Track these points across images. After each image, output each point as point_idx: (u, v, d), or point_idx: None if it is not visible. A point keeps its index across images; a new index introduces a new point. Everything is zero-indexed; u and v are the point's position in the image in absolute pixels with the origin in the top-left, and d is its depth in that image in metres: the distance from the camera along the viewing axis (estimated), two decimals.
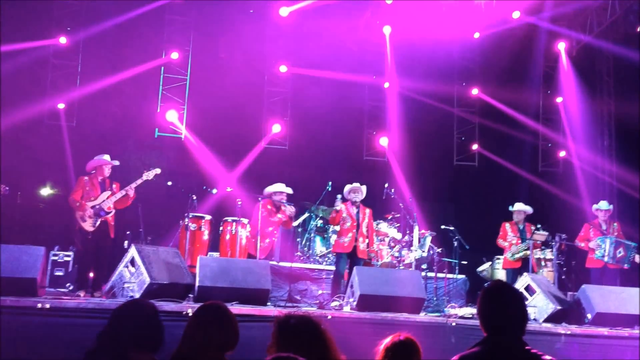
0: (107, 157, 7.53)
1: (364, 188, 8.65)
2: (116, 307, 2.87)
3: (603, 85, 14.30)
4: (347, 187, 8.68)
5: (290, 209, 8.60)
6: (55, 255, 9.05)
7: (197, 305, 6.04)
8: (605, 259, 8.57)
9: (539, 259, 9.67)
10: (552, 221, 10.46)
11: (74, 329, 5.35)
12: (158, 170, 7.66)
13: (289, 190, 8.78)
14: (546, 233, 9.00)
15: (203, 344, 2.74)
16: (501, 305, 2.66)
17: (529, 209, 9.25)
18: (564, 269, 9.80)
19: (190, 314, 2.96)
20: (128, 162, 9.71)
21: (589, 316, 7.40)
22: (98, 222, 7.18)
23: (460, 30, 13.58)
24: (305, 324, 2.65)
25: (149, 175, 7.56)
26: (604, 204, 9.09)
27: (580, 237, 8.99)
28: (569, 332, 6.59)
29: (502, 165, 13.48)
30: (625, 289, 7.82)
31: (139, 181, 7.46)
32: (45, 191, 12.56)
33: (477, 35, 13.15)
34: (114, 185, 7.46)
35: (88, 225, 7.14)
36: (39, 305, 5.43)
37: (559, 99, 14.10)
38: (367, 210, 8.64)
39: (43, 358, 4.85)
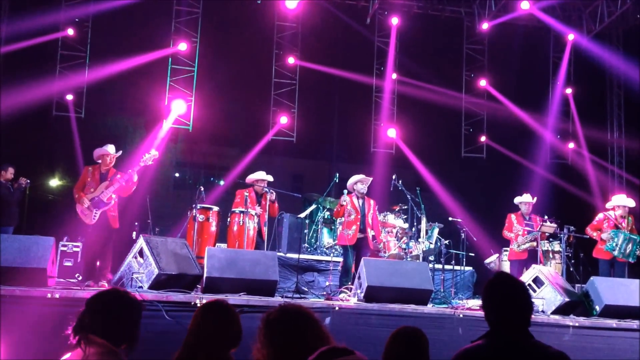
0: (111, 147, 7.46)
1: (369, 179, 8.65)
2: (95, 294, 2.79)
3: (613, 77, 14.22)
4: (353, 179, 8.68)
5: (271, 196, 8.61)
6: (64, 246, 9.10)
7: (206, 296, 6.09)
8: (615, 252, 8.51)
9: (547, 251, 9.63)
10: (560, 213, 10.40)
11: None
12: (156, 154, 7.58)
13: (270, 178, 8.80)
14: (554, 225, 8.95)
15: (207, 343, 2.70)
16: (504, 297, 2.64)
17: (534, 200, 9.20)
18: (572, 261, 9.76)
19: (196, 309, 2.86)
20: (136, 153, 9.74)
21: (598, 308, 7.37)
22: (97, 215, 7.14)
23: (468, 20, 13.52)
24: (288, 316, 2.50)
25: (146, 160, 7.47)
26: (630, 201, 8.92)
27: (592, 226, 8.88)
28: (577, 324, 6.56)
29: (511, 157, 13.43)
30: (633, 281, 7.77)
31: (136, 167, 7.39)
32: (54, 182, 12.63)
33: (485, 26, 13.07)
34: (118, 176, 7.38)
35: (87, 219, 7.12)
36: (49, 295, 5.46)
37: (568, 90, 14.01)
38: (372, 202, 8.65)
39: (53, 347, 4.89)
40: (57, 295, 5.49)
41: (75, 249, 9.21)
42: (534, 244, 8.80)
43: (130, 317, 2.73)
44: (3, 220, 8.72)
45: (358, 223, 8.39)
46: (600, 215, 8.97)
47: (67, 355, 2.65)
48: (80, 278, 7.76)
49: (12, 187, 8.93)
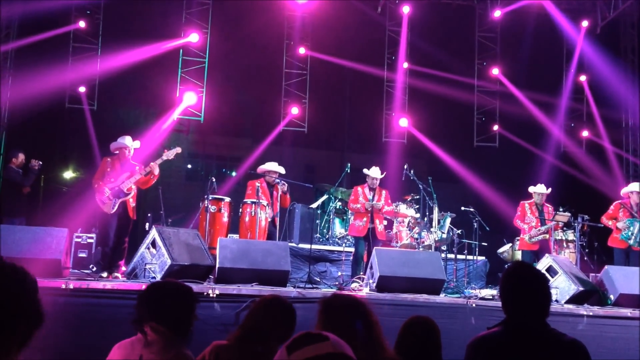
0: (128, 138, 7.52)
1: (379, 173, 8.67)
2: (150, 285, 2.91)
3: (628, 63, 14.02)
4: (365, 171, 8.72)
5: (283, 187, 8.63)
6: (78, 237, 9.19)
7: (218, 286, 6.12)
8: (631, 241, 8.42)
9: (560, 240, 9.56)
10: (574, 202, 10.32)
11: (97, 309, 5.44)
12: (179, 150, 7.64)
13: (282, 170, 8.81)
14: (568, 214, 8.87)
15: (266, 334, 2.77)
16: (523, 287, 2.61)
17: (548, 191, 9.12)
18: (587, 250, 9.68)
19: (254, 302, 2.98)
20: (148, 144, 9.78)
21: (612, 297, 7.32)
22: (117, 204, 7.19)
23: (480, 8, 13.39)
24: (350, 304, 2.64)
25: (169, 154, 7.53)
26: None
27: (608, 214, 8.79)
28: (591, 314, 6.52)
29: (523, 146, 13.32)
30: None
31: (159, 160, 7.44)
32: (68, 174, 12.73)
33: (497, 13, 12.93)
34: (136, 167, 7.44)
35: (107, 208, 7.17)
36: (63, 286, 5.51)
37: (582, 78, 13.85)
38: (384, 192, 8.66)
39: (67, 337, 4.94)
40: (71, 286, 5.55)
41: (89, 240, 9.29)
42: (547, 235, 8.73)
43: (186, 307, 2.80)
44: (15, 209, 8.78)
45: (369, 214, 8.41)
46: (615, 204, 8.88)
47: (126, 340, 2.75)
48: (94, 269, 7.83)
49: (23, 172, 9.00)
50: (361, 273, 7.96)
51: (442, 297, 7.09)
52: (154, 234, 6.74)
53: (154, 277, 6.47)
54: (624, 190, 8.96)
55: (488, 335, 2.57)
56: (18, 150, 9.09)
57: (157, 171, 7.42)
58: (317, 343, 1.60)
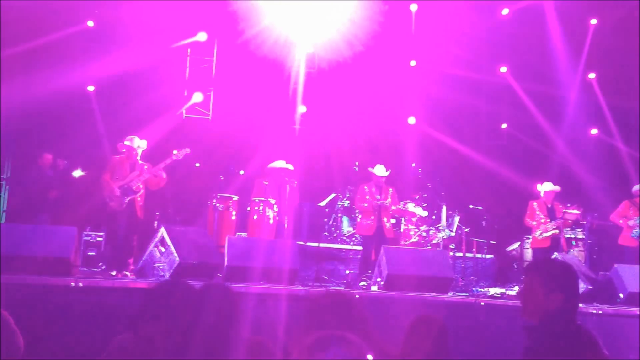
0: (136, 138, 7.58)
1: (384, 171, 8.67)
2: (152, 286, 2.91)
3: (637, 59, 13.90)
4: (370, 170, 8.74)
5: (291, 185, 8.67)
6: (87, 235, 9.22)
7: (226, 284, 6.14)
8: None
9: (569, 238, 9.52)
10: (582, 200, 10.25)
11: (106, 307, 5.46)
12: (188, 150, 7.70)
13: (290, 167, 8.84)
14: (577, 212, 8.83)
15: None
16: (566, 283, 2.59)
17: (557, 189, 9.07)
18: (595, 248, 9.62)
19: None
20: (157, 143, 9.80)
21: (621, 296, 7.28)
22: (126, 202, 7.24)
23: (489, 5, 13.32)
24: (338, 301, 2.63)
25: (178, 155, 7.59)
26: None
27: (617, 213, 8.76)
28: (600, 312, 6.49)
29: (532, 143, 13.24)
30: None
31: (168, 161, 7.50)
32: (77, 173, 12.78)
33: (505, 11, 12.87)
34: (145, 166, 7.49)
35: (116, 205, 7.22)
36: (72, 284, 5.54)
37: (591, 75, 13.74)
38: (390, 190, 8.66)
39: (76, 335, 4.97)
40: (80, 284, 5.58)
41: (98, 239, 9.32)
42: (557, 232, 8.69)
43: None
44: (40, 210, 8.82)
45: (376, 212, 8.39)
46: (624, 202, 8.84)
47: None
48: (103, 267, 7.87)
49: (48, 172, 9.06)
50: (369, 271, 7.96)
51: (450, 296, 7.08)
52: (162, 232, 6.77)
53: (163, 276, 6.50)
54: (636, 188, 8.91)
55: (547, 342, 2.52)
56: (43, 151, 9.13)
57: (164, 175, 7.48)
58: (341, 346, 1.55)
